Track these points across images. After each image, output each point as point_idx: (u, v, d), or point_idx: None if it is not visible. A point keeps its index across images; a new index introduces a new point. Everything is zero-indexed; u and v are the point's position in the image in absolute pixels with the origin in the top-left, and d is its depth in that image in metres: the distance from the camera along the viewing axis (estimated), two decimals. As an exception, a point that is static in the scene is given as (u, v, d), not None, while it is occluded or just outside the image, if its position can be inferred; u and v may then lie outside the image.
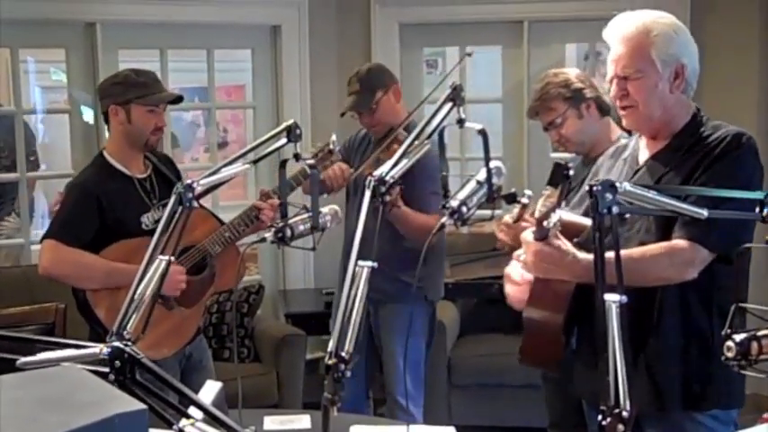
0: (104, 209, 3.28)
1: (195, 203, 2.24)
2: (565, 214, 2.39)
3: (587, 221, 2.43)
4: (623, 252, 2.30)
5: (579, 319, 2.46)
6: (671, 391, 2.43)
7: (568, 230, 2.41)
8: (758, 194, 1.98)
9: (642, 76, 2.43)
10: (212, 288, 3.45)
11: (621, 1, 5.41)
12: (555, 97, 3.33)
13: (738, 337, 1.81)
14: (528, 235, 2.42)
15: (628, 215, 2.36)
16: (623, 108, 2.50)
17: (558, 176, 2.28)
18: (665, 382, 2.43)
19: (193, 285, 3.35)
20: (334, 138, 3.31)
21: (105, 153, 3.44)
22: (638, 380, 2.34)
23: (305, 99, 5.50)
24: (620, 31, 2.48)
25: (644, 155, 2.57)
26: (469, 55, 4.18)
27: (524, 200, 3.11)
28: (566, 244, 2.35)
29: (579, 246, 2.38)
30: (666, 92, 2.45)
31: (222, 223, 3.46)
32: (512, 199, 3.13)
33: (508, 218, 3.09)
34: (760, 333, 1.82)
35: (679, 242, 2.33)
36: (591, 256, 2.30)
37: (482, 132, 2.21)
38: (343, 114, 4.02)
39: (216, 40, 5.46)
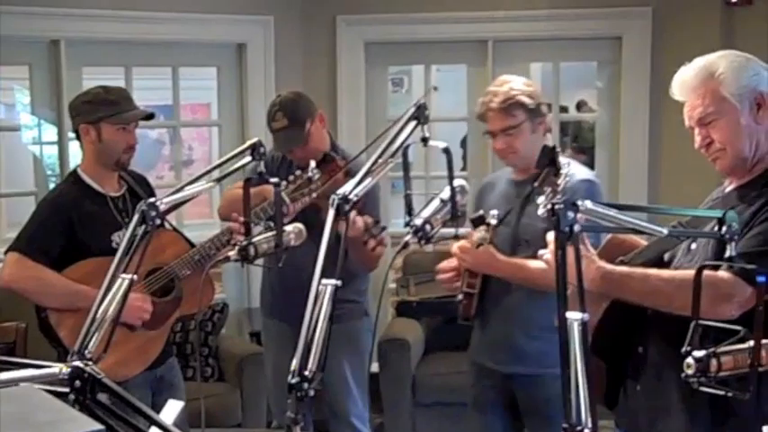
0: (75, 226, 3.26)
1: (159, 222, 2.23)
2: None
3: (640, 241, 2.43)
4: (653, 271, 2.31)
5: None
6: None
7: (618, 248, 2.40)
8: (716, 212, 1.98)
9: (720, 118, 2.35)
10: (178, 311, 3.41)
11: (585, 22, 5.51)
12: (519, 105, 3.19)
13: (698, 354, 1.83)
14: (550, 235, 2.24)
15: (693, 245, 2.37)
16: (712, 156, 2.41)
17: (545, 159, 2.22)
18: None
19: (159, 308, 3.32)
20: (313, 164, 3.25)
21: (80, 170, 3.41)
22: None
23: (270, 117, 5.49)
24: (684, 82, 2.41)
25: (728, 187, 2.48)
26: (435, 89, 4.13)
27: (493, 221, 3.14)
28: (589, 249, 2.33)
29: (623, 263, 2.36)
30: (753, 125, 2.35)
31: (193, 246, 3.44)
32: (480, 221, 3.16)
33: (465, 243, 3.11)
34: (719, 350, 1.84)
35: (720, 274, 2.18)
36: (619, 268, 2.32)
37: (446, 151, 2.22)
38: (279, 153, 3.83)
39: (181, 57, 5.45)
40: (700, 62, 2.41)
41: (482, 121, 3.29)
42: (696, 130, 2.41)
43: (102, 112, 3.31)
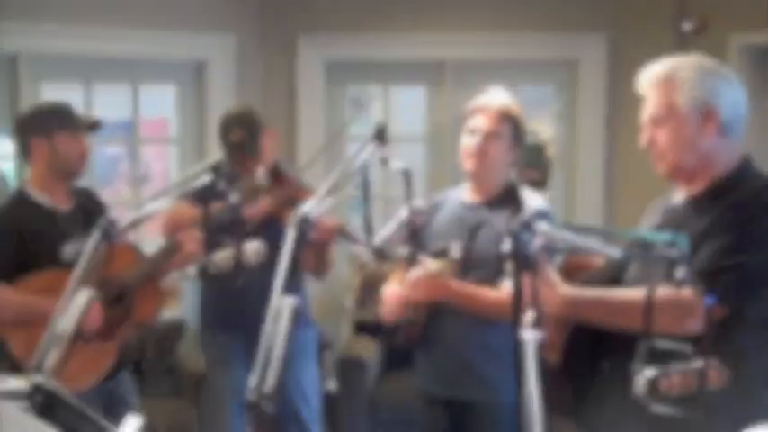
0: (24, 241, 3.25)
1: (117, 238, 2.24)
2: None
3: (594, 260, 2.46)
4: (614, 294, 2.32)
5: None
6: None
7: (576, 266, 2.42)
8: (666, 236, 2.00)
9: (667, 122, 2.38)
10: (129, 321, 3.42)
11: (543, 45, 5.58)
12: (511, 118, 3.13)
13: (649, 373, 1.85)
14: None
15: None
16: (654, 157, 2.44)
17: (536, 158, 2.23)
18: None
19: (109, 318, 3.32)
20: (261, 171, 3.28)
21: (27, 187, 3.41)
22: None
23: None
24: (647, 79, 2.43)
25: (679, 198, 2.50)
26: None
27: (455, 254, 3.10)
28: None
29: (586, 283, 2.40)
30: (696, 137, 2.36)
31: (142, 256, 3.44)
32: (443, 254, 3.13)
33: (419, 271, 2.96)
34: (671, 369, 1.86)
35: (683, 292, 2.14)
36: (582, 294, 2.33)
37: (405, 172, 2.25)
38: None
39: (141, 74, 5.45)
40: (668, 62, 2.42)
41: (470, 117, 3.17)
42: (646, 128, 2.43)
43: (54, 123, 3.33)
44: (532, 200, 3.10)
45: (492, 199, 3.14)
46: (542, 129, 8.12)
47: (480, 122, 3.12)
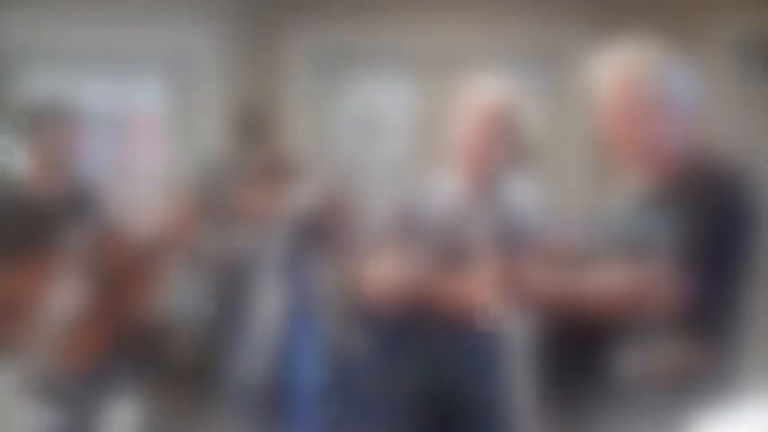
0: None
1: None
2: None
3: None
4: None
5: None
6: None
7: None
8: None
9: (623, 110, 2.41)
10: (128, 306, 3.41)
11: (531, 33, 5.57)
12: (505, 116, 3.18)
13: (631, 357, 1.86)
14: None
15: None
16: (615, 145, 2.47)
17: None
18: None
19: (109, 303, 3.32)
20: None
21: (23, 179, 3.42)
22: None
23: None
24: (605, 69, 2.48)
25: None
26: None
27: None
28: None
29: None
30: (651, 122, 2.40)
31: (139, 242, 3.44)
32: None
33: None
34: (653, 353, 1.88)
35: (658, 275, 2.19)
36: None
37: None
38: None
39: (127, 65, 5.46)
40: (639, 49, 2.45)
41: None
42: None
43: (51, 116, 3.36)
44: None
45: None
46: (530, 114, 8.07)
47: (476, 121, 3.13)
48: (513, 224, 2.21)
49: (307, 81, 5.64)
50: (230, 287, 3.26)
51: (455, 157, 3.13)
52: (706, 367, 1.89)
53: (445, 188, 3.26)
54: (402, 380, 3.25)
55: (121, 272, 3.40)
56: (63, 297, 2.09)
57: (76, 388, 1.67)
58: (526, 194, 3.12)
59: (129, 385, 3.61)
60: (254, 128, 3.70)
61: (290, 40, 5.58)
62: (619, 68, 2.45)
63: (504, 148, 3.14)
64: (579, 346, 2.53)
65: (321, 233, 3.45)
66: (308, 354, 3.98)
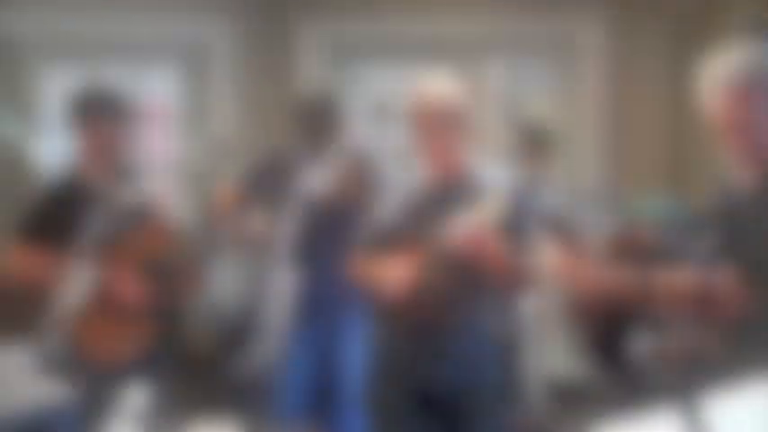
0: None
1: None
2: None
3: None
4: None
5: None
6: None
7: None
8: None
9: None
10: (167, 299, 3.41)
11: (539, 19, 5.56)
12: (459, 113, 3.24)
13: (647, 343, 1.87)
14: None
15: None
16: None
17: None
18: None
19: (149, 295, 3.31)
20: None
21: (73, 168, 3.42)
22: None
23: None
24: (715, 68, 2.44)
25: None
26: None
27: None
28: None
29: None
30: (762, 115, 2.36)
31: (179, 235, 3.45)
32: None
33: None
34: (669, 338, 1.88)
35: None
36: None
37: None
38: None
39: (142, 56, 5.48)
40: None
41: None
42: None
43: (96, 108, 3.36)
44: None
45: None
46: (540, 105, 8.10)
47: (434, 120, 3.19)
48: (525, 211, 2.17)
49: (320, 68, 5.64)
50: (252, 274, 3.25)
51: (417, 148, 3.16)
52: (719, 353, 1.89)
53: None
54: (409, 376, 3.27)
55: (169, 261, 3.37)
56: (79, 283, 2.11)
57: (94, 370, 1.69)
58: (543, 185, 3.11)
59: (146, 369, 3.63)
60: (319, 120, 3.70)
61: (304, 28, 5.58)
62: (729, 65, 2.41)
63: (455, 137, 3.17)
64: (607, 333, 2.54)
65: (337, 218, 3.45)
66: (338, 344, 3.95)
